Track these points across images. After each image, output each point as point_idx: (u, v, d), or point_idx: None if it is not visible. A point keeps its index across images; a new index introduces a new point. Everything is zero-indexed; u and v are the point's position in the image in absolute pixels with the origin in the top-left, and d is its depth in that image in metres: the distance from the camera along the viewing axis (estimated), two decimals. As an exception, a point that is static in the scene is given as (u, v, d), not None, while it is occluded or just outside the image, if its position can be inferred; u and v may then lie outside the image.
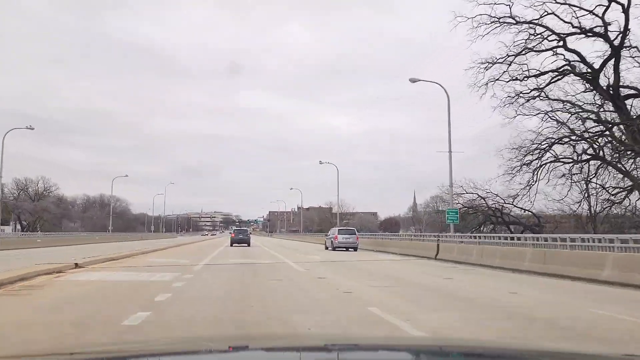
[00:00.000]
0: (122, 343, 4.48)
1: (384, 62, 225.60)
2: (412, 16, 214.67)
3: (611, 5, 26.08)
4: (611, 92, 27.65)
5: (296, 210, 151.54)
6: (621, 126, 27.95)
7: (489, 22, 28.05)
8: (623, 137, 28.20)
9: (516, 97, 29.47)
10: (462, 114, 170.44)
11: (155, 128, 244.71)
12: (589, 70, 28.19)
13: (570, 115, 29.55)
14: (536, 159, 31.04)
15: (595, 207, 30.56)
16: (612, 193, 29.53)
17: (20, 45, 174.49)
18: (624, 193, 28.88)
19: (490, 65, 29.01)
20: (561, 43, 28.21)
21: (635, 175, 27.96)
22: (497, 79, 29.07)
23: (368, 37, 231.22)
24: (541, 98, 29.72)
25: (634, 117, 27.22)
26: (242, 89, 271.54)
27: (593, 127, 29.49)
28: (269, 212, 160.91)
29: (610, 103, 28.11)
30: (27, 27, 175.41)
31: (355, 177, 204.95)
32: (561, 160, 30.82)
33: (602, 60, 27.48)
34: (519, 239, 25.73)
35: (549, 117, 29.91)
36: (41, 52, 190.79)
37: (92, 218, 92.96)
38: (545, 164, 31.05)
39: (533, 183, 31.41)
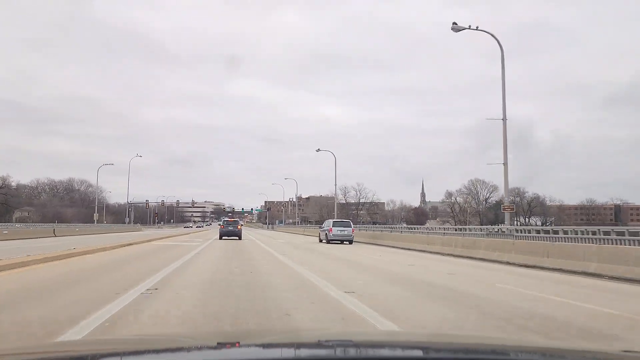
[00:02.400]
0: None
1: (380, 52, 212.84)
2: (410, 6, 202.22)
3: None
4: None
5: (294, 200, 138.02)
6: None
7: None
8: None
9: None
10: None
11: (143, 117, 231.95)
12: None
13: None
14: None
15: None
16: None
17: (6, 31, 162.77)
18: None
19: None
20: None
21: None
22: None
23: (364, 26, 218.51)
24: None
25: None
26: (234, 77, 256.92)
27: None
28: (265, 202, 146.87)
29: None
30: (12, 13, 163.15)
31: (351, 168, 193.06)
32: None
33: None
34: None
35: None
36: (26, 39, 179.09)
37: (46, 205, 78.24)
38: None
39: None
